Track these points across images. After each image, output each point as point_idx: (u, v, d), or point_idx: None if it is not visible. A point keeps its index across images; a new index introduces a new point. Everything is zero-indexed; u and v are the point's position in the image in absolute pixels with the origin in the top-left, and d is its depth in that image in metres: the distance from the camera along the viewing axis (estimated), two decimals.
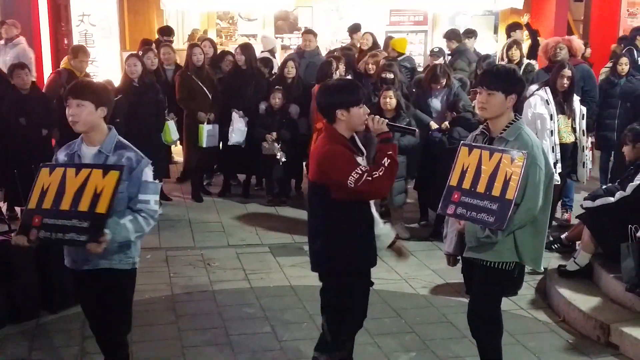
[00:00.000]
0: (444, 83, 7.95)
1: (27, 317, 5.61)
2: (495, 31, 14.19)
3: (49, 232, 3.69)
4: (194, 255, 7.25)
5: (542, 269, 4.35)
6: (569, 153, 7.40)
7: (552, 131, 7.18)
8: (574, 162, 7.47)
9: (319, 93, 4.18)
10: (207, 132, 8.65)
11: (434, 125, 7.79)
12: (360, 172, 3.92)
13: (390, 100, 7.49)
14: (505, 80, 4.09)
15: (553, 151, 7.16)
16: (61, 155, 3.99)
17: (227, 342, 5.37)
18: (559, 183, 7.37)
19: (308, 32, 10.37)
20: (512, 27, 11.26)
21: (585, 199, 6.52)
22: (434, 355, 5.21)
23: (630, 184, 6.09)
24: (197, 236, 7.83)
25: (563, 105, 7.31)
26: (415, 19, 13.98)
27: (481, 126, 4.29)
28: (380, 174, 3.94)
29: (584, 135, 7.43)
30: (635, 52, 9.75)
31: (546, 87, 7.34)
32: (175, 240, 7.60)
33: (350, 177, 3.89)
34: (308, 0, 13.43)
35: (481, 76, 4.30)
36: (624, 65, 8.85)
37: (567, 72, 7.29)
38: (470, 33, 10.74)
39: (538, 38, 11.56)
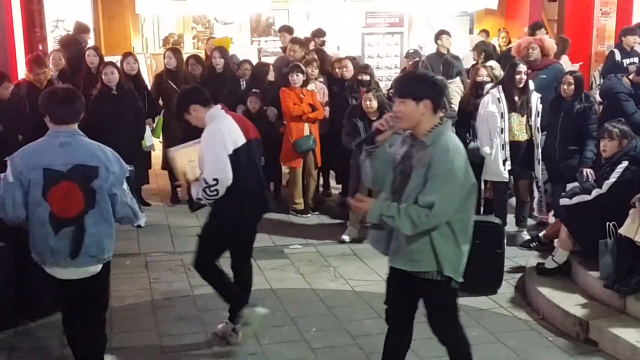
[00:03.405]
0: None
1: (6, 325, 5.55)
2: (471, 32, 14.26)
3: None
4: (174, 260, 7.21)
5: (461, 279, 4.10)
6: (523, 151, 7.36)
7: (502, 129, 7.20)
8: (531, 160, 7.40)
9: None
10: (149, 131, 8.68)
11: None
12: None
13: (371, 102, 7.52)
14: (413, 86, 3.95)
15: (503, 149, 7.21)
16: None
17: (208, 346, 5.36)
18: (507, 180, 7.43)
19: (294, 42, 9.97)
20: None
21: (562, 196, 6.57)
22: (415, 355, 5.22)
23: (606, 181, 6.15)
24: (177, 241, 7.79)
25: (517, 103, 7.28)
26: (391, 21, 14.01)
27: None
28: None
29: (538, 132, 7.38)
30: (617, 53, 9.78)
31: (499, 86, 7.40)
32: (155, 245, 7.56)
33: None
34: (284, 3, 13.40)
35: (393, 84, 4.23)
36: (568, 86, 7.38)
37: (523, 67, 7.31)
38: (443, 33, 10.80)
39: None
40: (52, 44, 10.72)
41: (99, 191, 4.19)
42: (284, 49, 10.63)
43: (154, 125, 8.76)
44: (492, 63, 9.14)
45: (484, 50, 9.68)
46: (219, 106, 5.13)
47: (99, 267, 4.31)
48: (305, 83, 8.46)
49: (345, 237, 7.72)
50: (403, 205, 3.85)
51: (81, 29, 10.37)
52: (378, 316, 5.82)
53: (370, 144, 4.04)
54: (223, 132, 4.91)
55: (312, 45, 10.56)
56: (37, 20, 11.17)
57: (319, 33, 11.10)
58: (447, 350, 4.32)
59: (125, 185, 4.33)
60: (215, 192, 4.81)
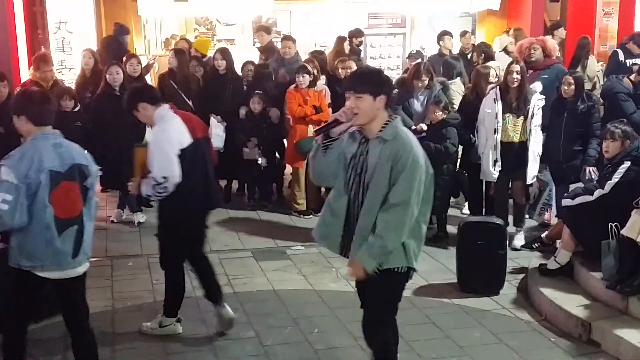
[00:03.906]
0: (426, 82, 7.86)
1: None
2: (473, 33, 14.26)
3: None
4: None
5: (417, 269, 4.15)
6: (515, 152, 7.27)
7: (495, 129, 7.18)
8: (524, 162, 7.30)
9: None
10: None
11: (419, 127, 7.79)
12: None
13: None
14: (371, 82, 3.96)
15: (495, 149, 7.19)
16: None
17: (210, 347, 5.36)
18: (498, 180, 7.40)
19: (286, 38, 10.02)
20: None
21: (564, 197, 6.57)
22: (417, 357, 5.23)
23: (609, 182, 6.14)
24: None
25: (512, 104, 7.22)
26: (394, 22, 14.02)
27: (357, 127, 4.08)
28: None
29: (531, 134, 7.24)
30: (621, 54, 9.77)
31: (497, 87, 7.38)
32: (157, 246, 7.54)
33: None
34: (285, 4, 13.40)
35: (348, 81, 4.20)
36: (568, 86, 7.28)
37: (516, 67, 7.25)
38: (445, 34, 10.81)
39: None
40: (54, 46, 10.73)
41: (91, 189, 4.34)
42: (261, 50, 10.57)
43: None
44: (493, 64, 9.15)
45: (483, 51, 9.69)
46: (167, 106, 5.26)
47: (87, 265, 4.42)
48: (312, 84, 8.44)
49: None
50: (378, 230, 3.86)
51: (122, 30, 10.41)
52: None
53: (327, 136, 4.02)
54: (170, 132, 5.07)
55: (347, 45, 10.52)
56: (40, 22, 11.20)
57: (357, 34, 11.01)
58: (374, 352, 4.22)
59: None
60: (164, 190, 4.97)
